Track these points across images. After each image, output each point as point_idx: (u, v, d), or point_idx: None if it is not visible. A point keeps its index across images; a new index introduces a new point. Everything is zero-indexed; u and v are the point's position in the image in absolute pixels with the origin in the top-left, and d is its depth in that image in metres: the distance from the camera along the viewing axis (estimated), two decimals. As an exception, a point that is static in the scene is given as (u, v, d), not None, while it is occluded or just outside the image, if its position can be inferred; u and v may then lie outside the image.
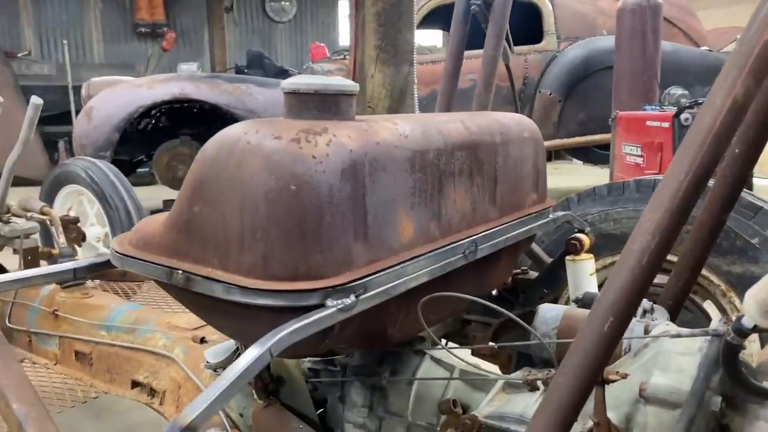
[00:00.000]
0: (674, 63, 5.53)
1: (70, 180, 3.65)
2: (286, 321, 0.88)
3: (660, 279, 1.53)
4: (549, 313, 1.32)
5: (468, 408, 1.18)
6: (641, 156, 4.23)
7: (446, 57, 2.56)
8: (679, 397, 0.94)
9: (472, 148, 1.23)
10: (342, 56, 6.59)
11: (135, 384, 1.65)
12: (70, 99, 8.53)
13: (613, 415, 0.95)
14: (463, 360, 1.26)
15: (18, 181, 2.61)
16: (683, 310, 1.42)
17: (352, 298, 0.93)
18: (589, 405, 0.87)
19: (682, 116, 3.84)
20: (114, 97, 4.92)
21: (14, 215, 2.37)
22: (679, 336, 1.01)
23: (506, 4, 2.31)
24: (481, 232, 1.23)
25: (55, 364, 1.88)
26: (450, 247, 1.14)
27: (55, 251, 2.23)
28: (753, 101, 0.75)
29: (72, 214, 3.18)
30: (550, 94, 6.03)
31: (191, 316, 1.54)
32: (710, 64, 5.80)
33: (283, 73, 7.32)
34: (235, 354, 1.32)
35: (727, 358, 0.91)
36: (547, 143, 6.28)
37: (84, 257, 2.90)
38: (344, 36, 13.92)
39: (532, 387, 1.11)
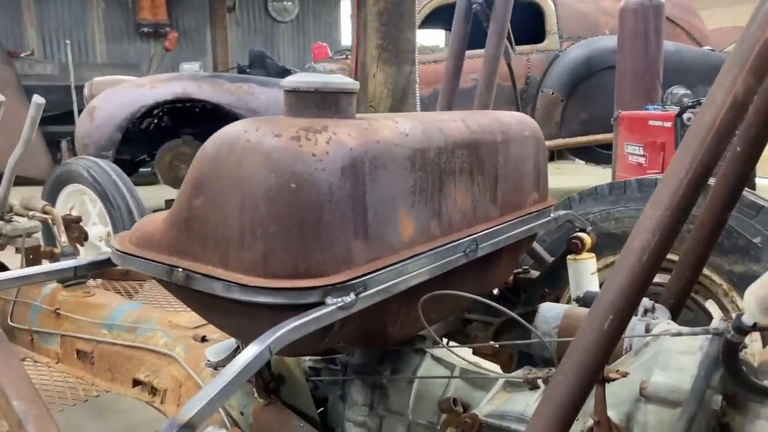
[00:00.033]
0: (677, 63, 5.53)
1: (73, 179, 3.65)
2: (285, 319, 0.88)
3: (661, 278, 1.53)
4: (550, 312, 1.32)
5: (468, 407, 1.17)
6: (644, 156, 4.23)
7: (447, 56, 2.55)
8: (679, 396, 0.94)
9: (473, 147, 1.23)
10: (344, 56, 6.59)
11: (136, 382, 1.65)
12: (72, 99, 8.54)
13: (613, 414, 0.95)
14: (463, 359, 1.26)
15: (21, 181, 2.61)
16: (685, 309, 1.42)
17: (352, 296, 0.93)
18: (590, 403, 0.87)
19: (685, 116, 3.83)
20: (116, 97, 4.93)
21: (16, 214, 2.37)
22: (679, 334, 1.01)
23: (508, 3, 2.30)
24: (481, 231, 1.23)
25: (57, 363, 1.88)
26: (450, 245, 1.14)
27: (57, 250, 2.23)
28: (754, 99, 0.75)
29: (74, 213, 3.18)
30: (553, 93, 6.03)
31: (192, 315, 1.54)
32: (713, 63, 5.79)
33: (285, 73, 7.32)
34: (236, 352, 1.32)
35: (727, 356, 0.90)
36: (549, 143, 6.29)
37: (86, 257, 2.90)
38: (346, 36, 13.93)
39: (532, 386, 1.10)
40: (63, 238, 2.23)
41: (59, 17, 11.78)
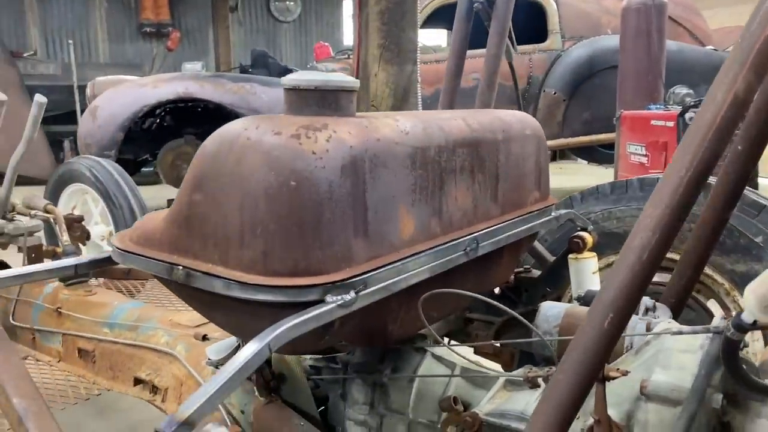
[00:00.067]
0: (679, 62, 5.51)
1: (75, 179, 3.66)
2: (285, 317, 0.88)
3: (662, 277, 1.53)
4: (551, 310, 1.32)
5: (469, 405, 1.17)
6: (646, 155, 4.22)
7: (449, 55, 2.55)
8: (680, 395, 0.93)
9: (474, 145, 1.23)
10: (346, 56, 6.59)
11: (137, 381, 1.65)
12: (75, 98, 8.56)
13: (613, 413, 0.94)
14: (464, 357, 1.26)
15: (23, 180, 2.62)
16: (687, 309, 1.41)
17: (352, 294, 0.93)
18: (590, 402, 0.87)
19: (687, 115, 3.83)
20: (119, 97, 4.94)
21: (18, 213, 2.37)
22: (680, 333, 1.01)
23: (509, 3, 2.30)
24: (482, 230, 1.23)
25: (59, 362, 1.88)
26: (451, 244, 1.14)
27: (59, 250, 2.24)
28: (755, 98, 0.75)
29: (76, 212, 3.20)
30: (555, 93, 6.02)
31: (193, 314, 1.54)
32: (715, 63, 5.77)
33: (287, 73, 7.27)
34: (236, 351, 1.32)
35: (727, 354, 0.90)
36: (551, 143, 6.28)
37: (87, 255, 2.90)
38: (349, 36, 13.93)
39: (533, 384, 1.10)
40: (65, 238, 2.23)
41: (62, 17, 11.81)
